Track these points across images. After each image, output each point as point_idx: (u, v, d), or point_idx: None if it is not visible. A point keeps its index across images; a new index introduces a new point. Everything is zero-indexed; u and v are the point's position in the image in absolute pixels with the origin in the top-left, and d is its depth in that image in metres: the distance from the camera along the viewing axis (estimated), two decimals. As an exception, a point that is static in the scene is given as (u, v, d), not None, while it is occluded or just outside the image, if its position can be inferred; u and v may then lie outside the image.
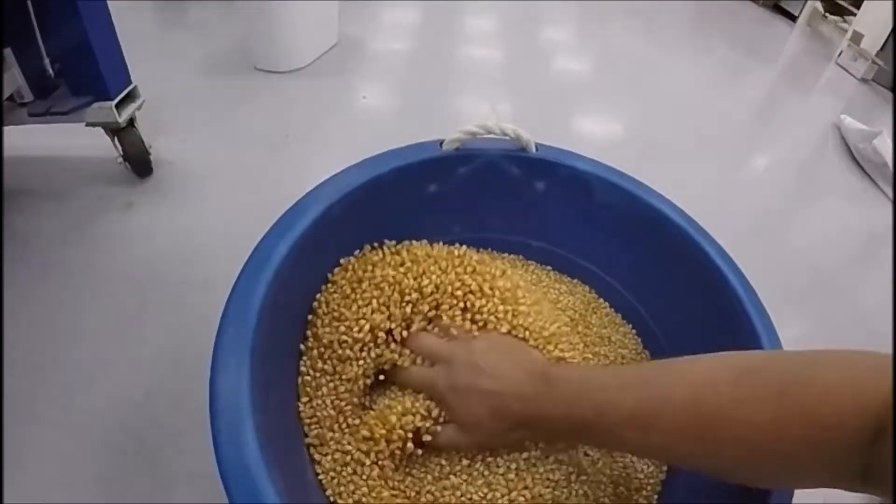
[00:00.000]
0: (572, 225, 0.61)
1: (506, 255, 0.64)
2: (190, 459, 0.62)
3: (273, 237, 0.45)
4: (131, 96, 1.08)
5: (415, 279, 0.50)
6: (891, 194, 1.30)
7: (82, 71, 1.00)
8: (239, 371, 0.36)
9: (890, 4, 1.93)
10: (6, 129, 1.03)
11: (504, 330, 0.50)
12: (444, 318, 0.50)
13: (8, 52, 0.97)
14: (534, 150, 0.57)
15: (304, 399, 0.46)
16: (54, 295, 0.84)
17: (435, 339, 0.49)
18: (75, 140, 1.13)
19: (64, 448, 0.64)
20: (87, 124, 1.04)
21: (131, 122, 1.08)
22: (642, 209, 0.58)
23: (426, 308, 0.50)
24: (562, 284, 0.63)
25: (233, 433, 0.34)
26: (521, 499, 0.45)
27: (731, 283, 0.52)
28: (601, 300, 0.63)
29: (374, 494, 0.43)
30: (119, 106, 1.04)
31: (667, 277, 0.59)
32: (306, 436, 0.46)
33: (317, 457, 0.45)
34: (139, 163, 1.10)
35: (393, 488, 0.45)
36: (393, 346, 0.49)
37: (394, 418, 0.45)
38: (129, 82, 1.07)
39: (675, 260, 0.57)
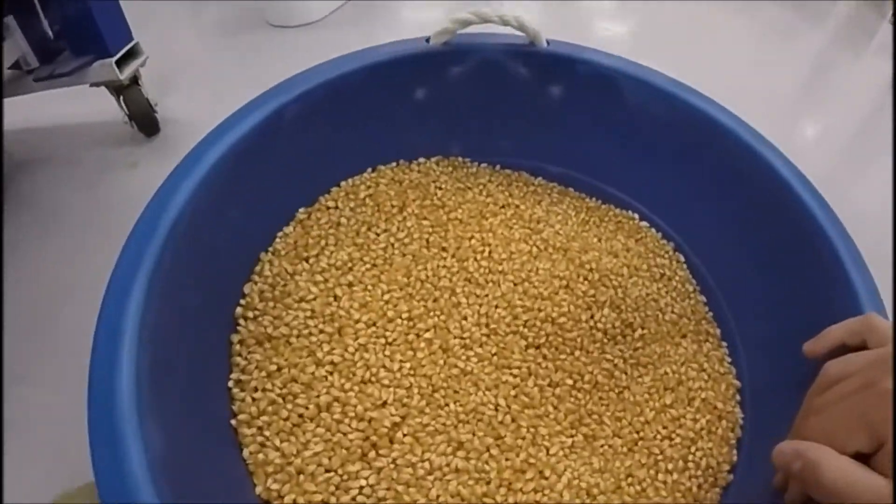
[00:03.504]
0: (599, 142, 0.50)
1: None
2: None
3: (201, 148, 0.36)
4: (133, 53, 1.04)
5: None
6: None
7: (81, 30, 0.99)
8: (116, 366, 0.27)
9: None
10: (16, 99, 1.04)
11: None
12: None
13: (10, 19, 0.96)
14: (544, 44, 0.46)
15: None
16: (57, 254, 0.82)
17: None
18: (82, 108, 1.11)
19: (57, 410, 0.59)
20: (91, 85, 1.02)
21: (135, 79, 1.05)
22: (689, 117, 0.46)
23: None
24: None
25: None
26: None
27: (815, 217, 0.40)
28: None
29: None
30: (120, 63, 1.01)
31: (724, 210, 0.47)
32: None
33: None
34: (144, 121, 1.07)
35: None
36: None
37: None
38: (130, 39, 1.03)
39: (735, 185, 0.45)
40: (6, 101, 1.00)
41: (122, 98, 1.04)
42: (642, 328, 0.44)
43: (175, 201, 0.33)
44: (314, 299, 0.38)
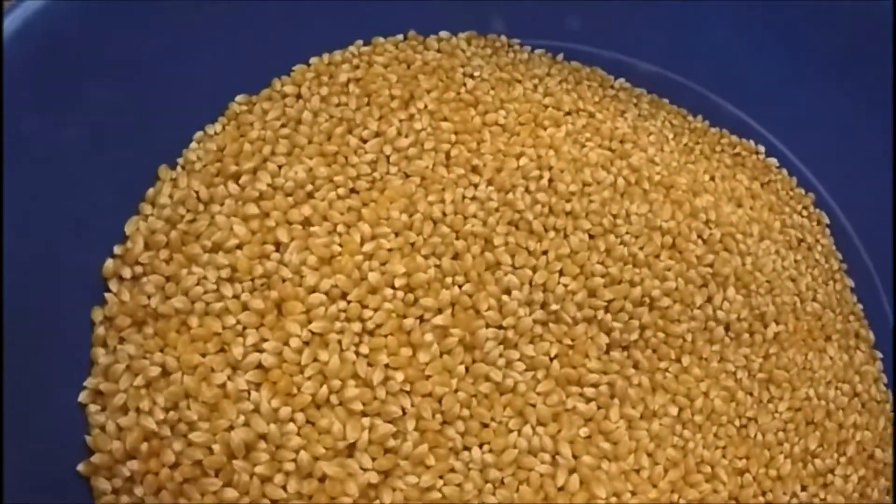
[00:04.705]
0: (717, 27, 0.33)
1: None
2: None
3: None
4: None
5: None
6: None
7: None
8: None
9: None
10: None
11: None
12: None
13: None
14: None
15: None
16: None
17: None
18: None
19: None
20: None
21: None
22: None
23: None
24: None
25: None
26: None
27: None
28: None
29: None
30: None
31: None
32: None
33: None
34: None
35: None
36: None
37: None
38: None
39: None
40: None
41: None
42: (776, 323, 0.28)
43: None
44: (239, 248, 0.22)
